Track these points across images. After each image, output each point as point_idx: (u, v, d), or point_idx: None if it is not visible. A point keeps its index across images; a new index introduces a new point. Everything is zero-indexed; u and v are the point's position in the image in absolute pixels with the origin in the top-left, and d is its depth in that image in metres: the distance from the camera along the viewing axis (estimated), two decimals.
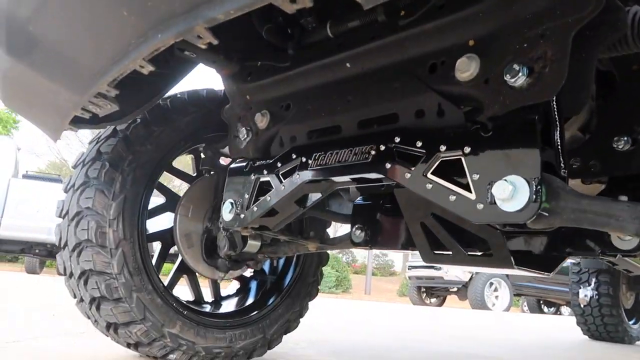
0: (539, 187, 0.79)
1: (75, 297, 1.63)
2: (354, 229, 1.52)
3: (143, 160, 1.61)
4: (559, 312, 14.47)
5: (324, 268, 2.11)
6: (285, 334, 1.95)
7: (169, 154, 1.69)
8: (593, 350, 3.72)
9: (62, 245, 1.60)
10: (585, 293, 4.25)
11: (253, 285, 2.01)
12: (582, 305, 4.29)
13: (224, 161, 1.84)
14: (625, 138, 1.12)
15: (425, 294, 13.12)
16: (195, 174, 1.86)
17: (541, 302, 14.25)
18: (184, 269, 1.79)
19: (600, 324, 4.24)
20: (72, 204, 1.57)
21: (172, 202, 1.77)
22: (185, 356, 1.62)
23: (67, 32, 0.93)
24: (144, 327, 1.55)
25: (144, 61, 0.92)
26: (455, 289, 12.18)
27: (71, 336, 2.11)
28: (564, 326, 6.78)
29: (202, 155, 1.80)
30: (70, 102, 1.13)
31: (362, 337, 3.15)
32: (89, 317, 1.64)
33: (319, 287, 2.10)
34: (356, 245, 1.51)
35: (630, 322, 4.45)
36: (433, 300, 13.30)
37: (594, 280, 4.21)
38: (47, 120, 1.30)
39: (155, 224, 1.73)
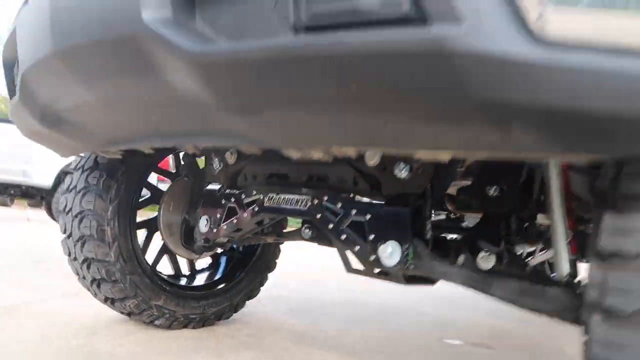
0: (407, 251, 1.22)
1: (78, 274, 2.04)
2: (303, 227, 1.93)
3: (134, 168, 1.97)
4: None
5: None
6: (248, 300, 2.42)
7: (156, 160, 2.07)
8: None
9: (67, 235, 1.99)
10: None
11: (223, 260, 2.45)
12: None
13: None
14: (495, 187, 1.55)
15: None
16: (174, 171, 2.24)
17: None
18: (166, 251, 2.21)
19: None
20: (75, 203, 1.94)
21: (156, 195, 2.16)
22: (167, 322, 2.08)
23: (91, 120, 1.28)
24: (136, 301, 1.97)
25: (147, 148, 1.29)
26: None
27: (70, 296, 2.52)
28: None
29: (182, 162, 2.16)
30: (85, 151, 1.49)
31: (320, 293, 3.44)
32: (89, 290, 2.06)
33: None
34: (305, 240, 1.94)
35: None
36: None
37: None
38: (60, 152, 1.65)
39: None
